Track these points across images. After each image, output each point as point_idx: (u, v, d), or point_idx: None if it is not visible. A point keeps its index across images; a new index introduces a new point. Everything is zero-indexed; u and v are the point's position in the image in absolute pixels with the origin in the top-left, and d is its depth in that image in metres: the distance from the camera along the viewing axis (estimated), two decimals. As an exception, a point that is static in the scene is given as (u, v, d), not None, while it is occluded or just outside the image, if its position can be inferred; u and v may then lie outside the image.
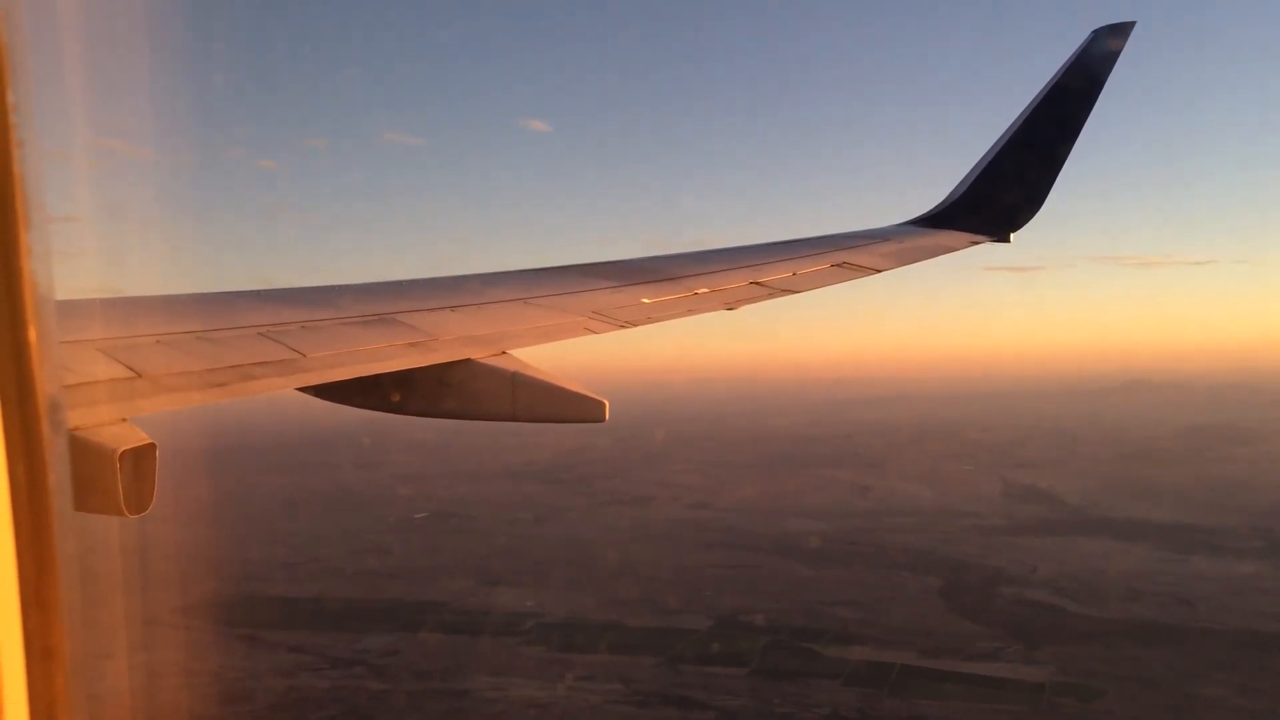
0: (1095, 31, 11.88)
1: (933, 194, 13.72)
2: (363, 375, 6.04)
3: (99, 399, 4.71)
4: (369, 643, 71.95)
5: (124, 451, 4.30)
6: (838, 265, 10.66)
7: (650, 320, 8.28)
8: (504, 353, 6.67)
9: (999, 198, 12.48)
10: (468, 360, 6.45)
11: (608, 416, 6.21)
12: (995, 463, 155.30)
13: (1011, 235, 12.58)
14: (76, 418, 4.41)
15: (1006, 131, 12.52)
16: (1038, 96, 12.21)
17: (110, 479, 4.23)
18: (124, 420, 4.61)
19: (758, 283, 9.65)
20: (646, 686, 63.24)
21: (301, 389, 5.94)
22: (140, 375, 5.08)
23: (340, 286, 8.11)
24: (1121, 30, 11.80)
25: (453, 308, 7.57)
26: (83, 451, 4.24)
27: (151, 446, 4.48)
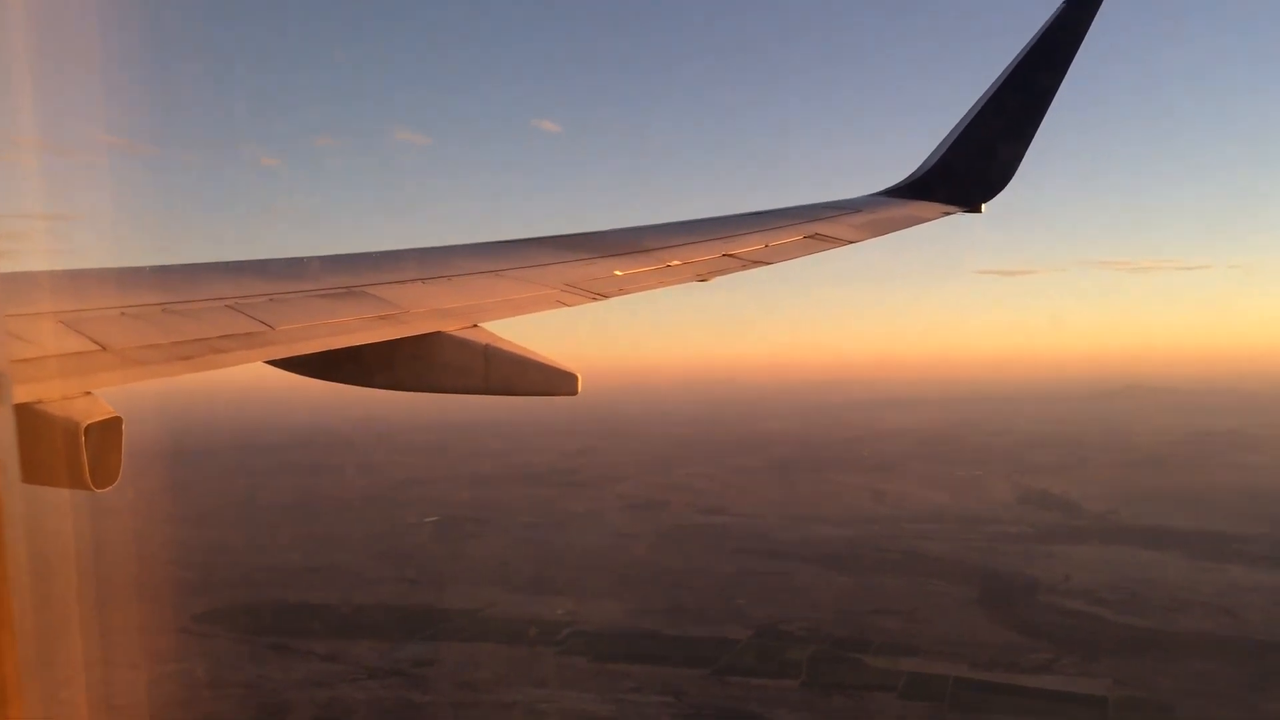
0: (1066, 1, 11.69)
1: (904, 164, 13.57)
2: (332, 348, 5.93)
3: (63, 372, 4.63)
4: (404, 651, 70.09)
5: (89, 425, 4.23)
6: (810, 237, 10.54)
7: (623, 292, 8.10)
8: (475, 325, 6.58)
9: (970, 168, 12.43)
10: (438, 333, 6.34)
11: (580, 389, 6.00)
12: (1005, 468, 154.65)
13: (983, 206, 12.47)
14: (40, 391, 4.34)
15: (978, 102, 12.35)
16: (1009, 66, 12.06)
17: (75, 453, 4.18)
18: (88, 394, 4.53)
19: (730, 255, 9.49)
20: (698, 699, 61.67)
21: (270, 362, 5.83)
22: (105, 348, 5.00)
23: (309, 258, 7.90)
24: (1093, 0, 11.61)
25: (423, 280, 7.44)
26: (47, 425, 4.20)
27: (118, 420, 4.38)
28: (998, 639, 71.69)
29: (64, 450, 4.19)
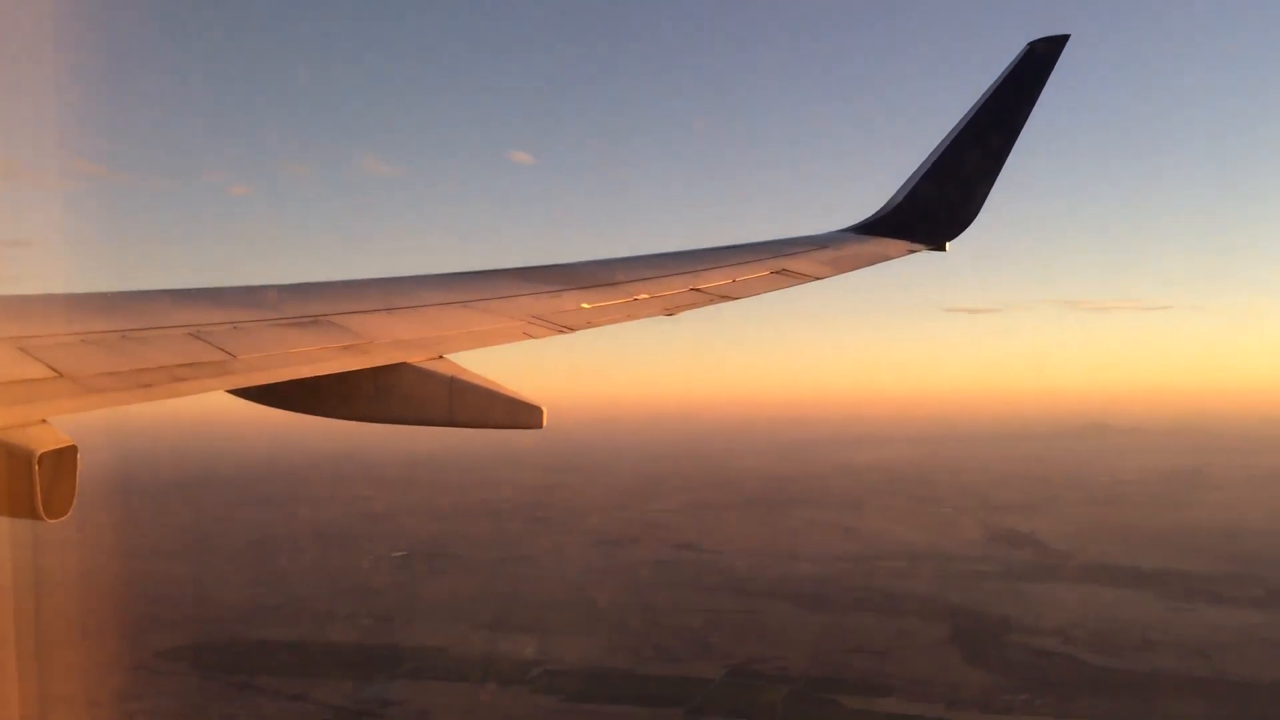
0: (1030, 44, 11.97)
1: (869, 201, 13.92)
2: (296, 378, 5.84)
3: (18, 399, 4.55)
4: (372, 691, 68.76)
5: (43, 454, 4.18)
6: (777, 272, 10.65)
7: (590, 325, 8.11)
8: (440, 357, 6.54)
9: (935, 207, 12.68)
10: (403, 364, 6.29)
11: (545, 423, 6.00)
12: (972, 506, 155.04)
13: (948, 244, 12.71)
14: None
15: (943, 141, 12.61)
16: (974, 107, 12.32)
17: (28, 482, 4.13)
18: (44, 421, 4.44)
19: (697, 289, 9.55)
20: (673, 740, 60.79)
21: (232, 391, 5.77)
22: (62, 375, 4.90)
23: (272, 287, 7.83)
24: (1056, 43, 11.89)
25: (388, 310, 7.39)
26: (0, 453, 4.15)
27: (73, 449, 4.33)
28: (973, 679, 71.38)
29: (16, 479, 4.14)
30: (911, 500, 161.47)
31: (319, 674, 71.89)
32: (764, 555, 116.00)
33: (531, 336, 7.54)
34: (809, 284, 10.74)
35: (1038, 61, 11.93)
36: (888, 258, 12.25)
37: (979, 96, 12.32)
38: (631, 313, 8.67)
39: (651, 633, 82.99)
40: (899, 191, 13.05)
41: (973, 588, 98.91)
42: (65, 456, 4.32)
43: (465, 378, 6.22)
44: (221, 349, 5.82)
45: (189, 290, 7.33)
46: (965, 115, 12.39)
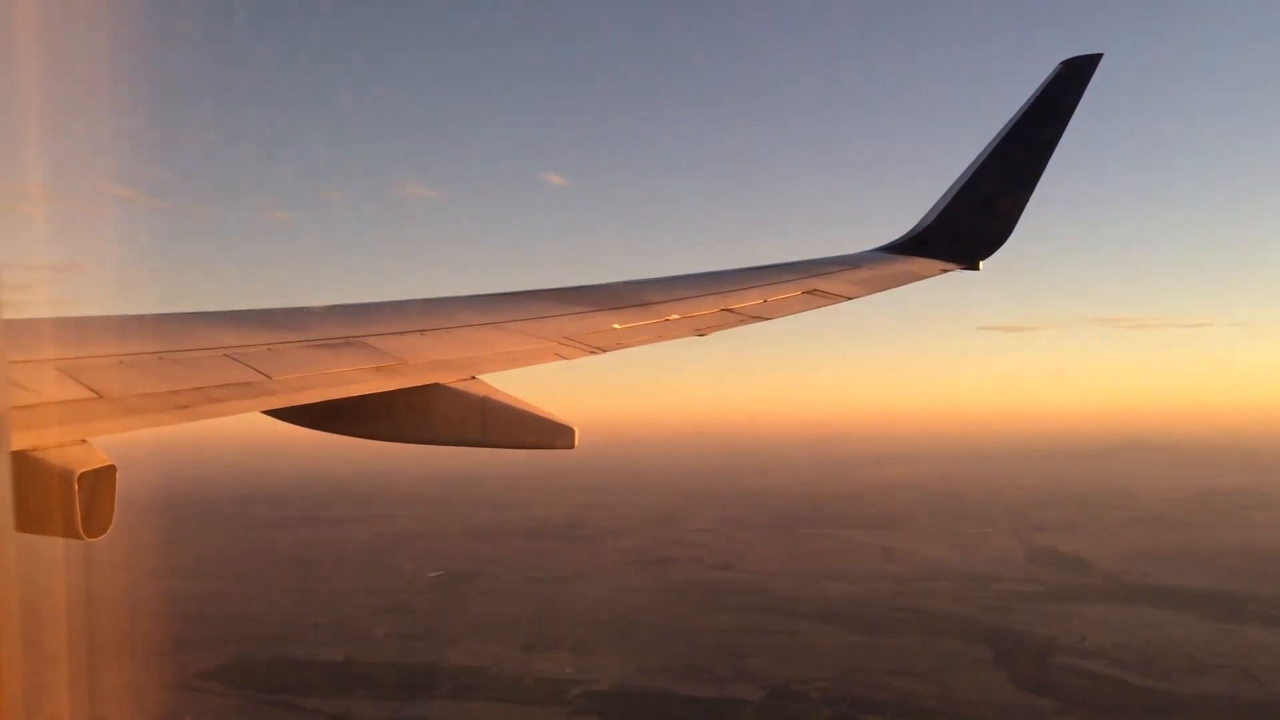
0: (1063, 62, 12.02)
1: (901, 220, 14.09)
2: (329, 399, 5.87)
3: (59, 420, 4.63)
4: (413, 711, 68.63)
5: (83, 474, 4.25)
6: (809, 292, 10.64)
7: (621, 346, 8.12)
8: (473, 377, 6.58)
9: (968, 226, 12.65)
10: (436, 384, 6.35)
11: (577, 443, 5.98)
12: (1012, 525, 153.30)
13: (981, 263, 12.66)
14: (35, 438, 4.35)
15: (976, 160, 12.62)
16: (1007, 125, 12.35)
17: (68, 501, 4.19)
18: (83, 442, 4.52)
19: (729, 309, 9.56)
20: (715, 762, 60.21)
21: (268, 412, 5.78)
22: (101, 396, 5.00)
23: (307, 309, 7.94)
24: (1089, 62, 11.95)
25: (421, 332, 7.46)
26: (41, 473, 4.21)
27: (111, 469, 4.40)
28: (1019, 701, 70.31)
29: (57, 498, 4.21)
30: (949, 520, 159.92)
31: (359, 694, 71.96)
32: (801, 575, 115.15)
33: (563, 357, 7.60)
34: (842, 303, 10.75)
35: (1071, 80, 11.98)
36: (920, 277, 12.27)
37: (1012, 115, 12.36)
38: (663, 333, 8.69)
39: (690, 653, 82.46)
40: (931, 210, 13.04)
41: (1015, 608, 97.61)
42: (104, 476, 4.40)
43: (498, 398, 6.28)
44: (257, 370, 5.91)
45: (225, 312, 7.42)
46: (998, 134, 12.41)
